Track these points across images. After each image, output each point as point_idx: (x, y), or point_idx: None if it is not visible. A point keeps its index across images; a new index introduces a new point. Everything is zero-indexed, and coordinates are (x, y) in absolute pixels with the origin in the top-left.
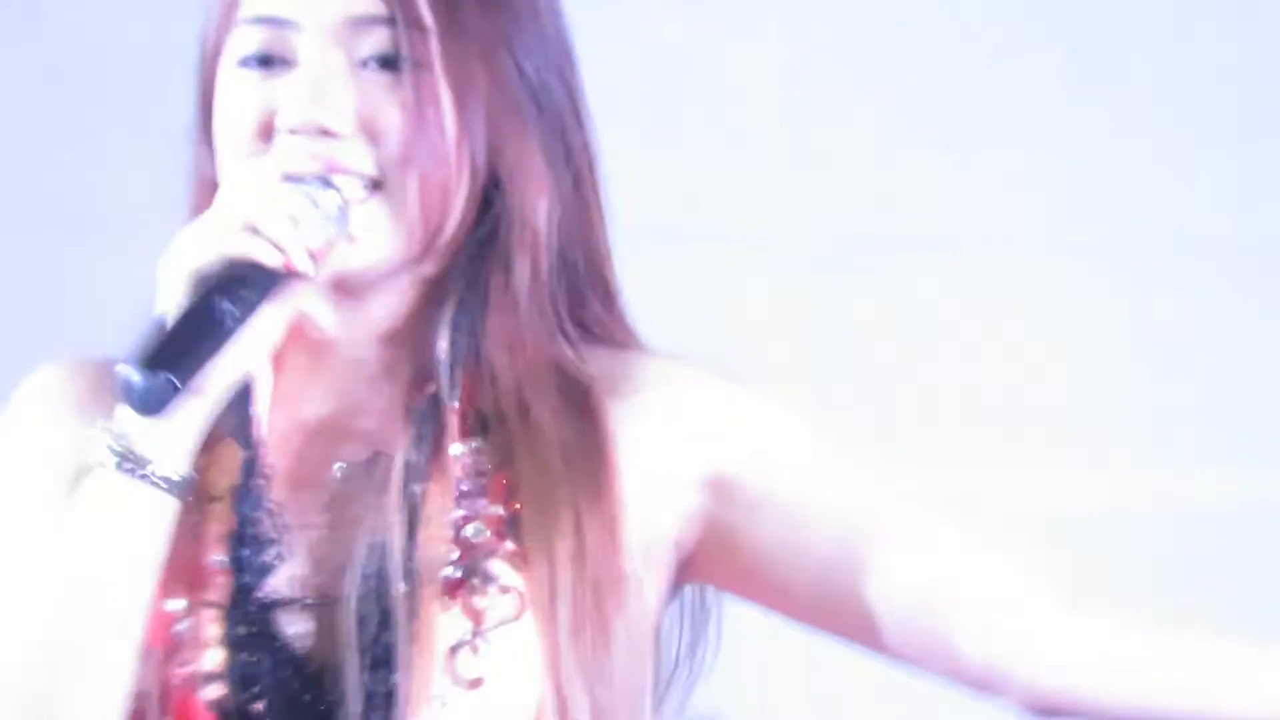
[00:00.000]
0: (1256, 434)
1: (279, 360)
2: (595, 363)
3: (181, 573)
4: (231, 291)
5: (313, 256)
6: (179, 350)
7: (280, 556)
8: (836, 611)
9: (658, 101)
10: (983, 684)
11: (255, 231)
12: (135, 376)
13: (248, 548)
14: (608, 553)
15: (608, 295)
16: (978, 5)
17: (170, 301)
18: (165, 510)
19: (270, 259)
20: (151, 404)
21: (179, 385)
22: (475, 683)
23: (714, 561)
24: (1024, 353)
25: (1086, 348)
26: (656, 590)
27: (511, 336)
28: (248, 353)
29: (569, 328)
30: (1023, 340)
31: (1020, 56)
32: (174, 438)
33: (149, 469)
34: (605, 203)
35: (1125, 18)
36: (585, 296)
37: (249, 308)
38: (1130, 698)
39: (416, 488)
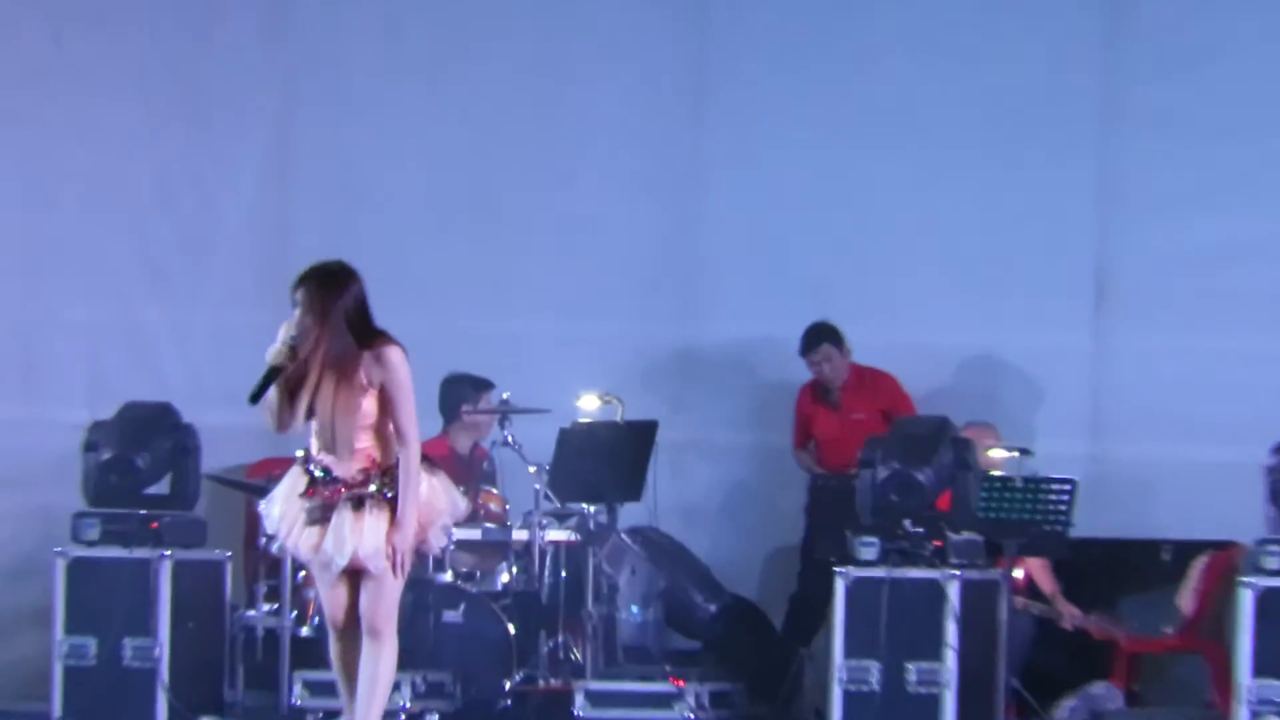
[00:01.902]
0: None
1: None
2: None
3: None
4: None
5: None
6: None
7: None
8: None
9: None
10: None
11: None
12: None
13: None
14: (356, 387)
15: (374, 329)
16: None
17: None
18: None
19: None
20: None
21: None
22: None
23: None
24: None
25: None
26: (374, 399)
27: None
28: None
29: (365, 340)
30: None
31: None
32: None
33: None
34: (365, 318)
35: None
36: (369, 332)
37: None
38: None
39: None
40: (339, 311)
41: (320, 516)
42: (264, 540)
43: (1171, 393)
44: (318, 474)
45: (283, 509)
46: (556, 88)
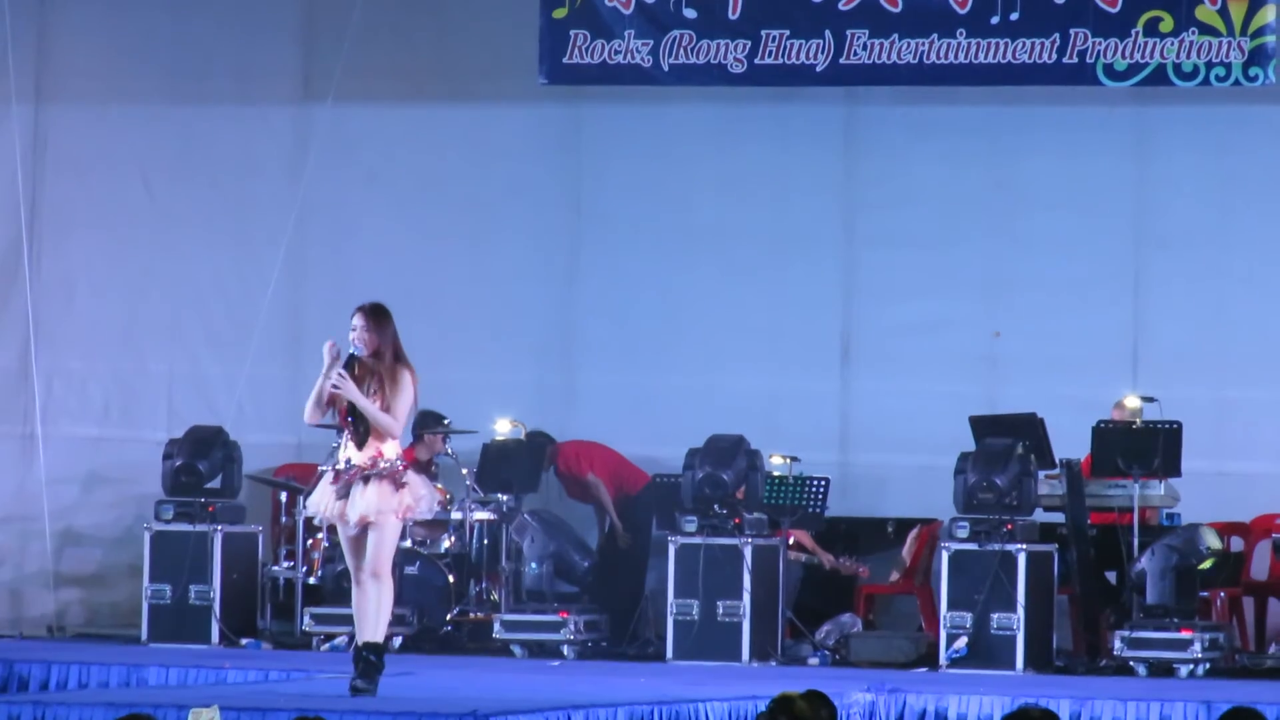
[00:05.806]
0: None
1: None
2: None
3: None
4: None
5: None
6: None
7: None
8: None
9: None
10: None
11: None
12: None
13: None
14: (381, 395)
15: (402, 355)
16: None
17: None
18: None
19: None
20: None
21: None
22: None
23: None
24: None
25: None
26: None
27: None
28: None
29: (397, 357)
30: None
31: None
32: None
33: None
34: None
35: None
36: (399, 357)
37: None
38: None
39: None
40: (387, 335)
41: (344, 493)
42: (303, 518)
43: (894, 419)
44: (340, 468)
45: (319, 498)
46: (484, 212)
